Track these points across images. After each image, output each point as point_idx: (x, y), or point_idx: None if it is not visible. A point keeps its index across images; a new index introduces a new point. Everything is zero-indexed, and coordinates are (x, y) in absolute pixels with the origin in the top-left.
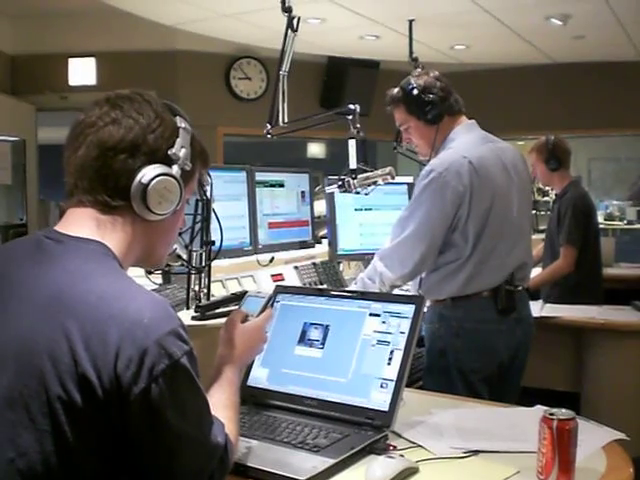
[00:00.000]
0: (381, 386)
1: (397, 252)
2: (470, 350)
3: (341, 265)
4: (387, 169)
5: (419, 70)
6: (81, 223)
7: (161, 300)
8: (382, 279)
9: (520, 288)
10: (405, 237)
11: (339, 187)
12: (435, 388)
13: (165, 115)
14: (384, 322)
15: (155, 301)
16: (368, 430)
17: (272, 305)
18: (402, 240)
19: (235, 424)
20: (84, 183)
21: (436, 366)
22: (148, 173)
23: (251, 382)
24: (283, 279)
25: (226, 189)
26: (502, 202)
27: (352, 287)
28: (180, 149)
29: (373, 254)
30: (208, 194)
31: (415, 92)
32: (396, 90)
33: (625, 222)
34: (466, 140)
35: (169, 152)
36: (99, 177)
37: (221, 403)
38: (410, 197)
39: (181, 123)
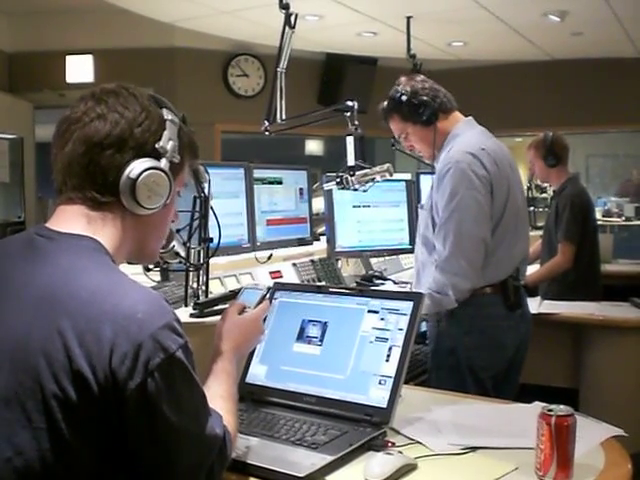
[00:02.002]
0: (379, 383)
1: (458, 256)
2: (481, 347)
3: (339, 262)
4: (385, 166)
5: (403, 78)
6: (72, 220)
7: (155, 294)
8: (457, 289)
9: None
10: (457, 238)
11: (337, 184)
12: (443, 387)
13: (151, 108)
14: (382, 319)
15: (149, 296)
16: (366, 427)
17: (270, 297)
18: (456, 242)
19: (233, 415)
20: (72, 180)
21: (445, 365)
22: (136, 167)
23: (250, 379)
24: (281, 276)
25: (224, 186)
26: (513, 194)
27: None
28: (167, 142)
29: (371, 251)
30: (206, 191)
31: (404, 98)
32: (386, 102)
33: (623, 218)
34: (472, 135)
35: (156, 145)
36: (87, 173)
37: (218, 395)
38: (408, 194)
39: (168, 115)
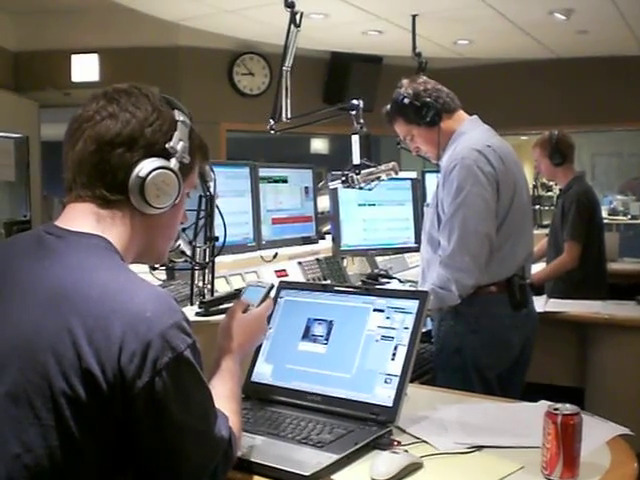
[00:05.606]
0: (385, 381)
1: (462, 252)
2: (487, 347)
3: (345, 261)
4: (390, 164)
5: (405, 81)
6: (81, 218)
7: (164, 293)
8: (461, 284)
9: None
10: (462, 234)
11: (342, 182)
12: (449, 386)
13: (163, 108)
14: (388, 317)
15: (158, 294)
16: (372, 425)
17: (275, 296)
18: (460, 237)
19: (238, 416)
20: (82, 178)
21: (450, 364)
22: (146, 166)
23: (255, 378)
24: (287, 275)
25: (229, 185)
26: (519, 192)
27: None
28: (178, 142)
29: (377, 249)
30: (211, 190)
31: (407, 101)
32: (389, 106)
33: (629, 217)
34: (477, 132)
35: (167, 145)
36: (97, 172)
37: (223, 395)
38: (414, 193)
39: (179, 116)
